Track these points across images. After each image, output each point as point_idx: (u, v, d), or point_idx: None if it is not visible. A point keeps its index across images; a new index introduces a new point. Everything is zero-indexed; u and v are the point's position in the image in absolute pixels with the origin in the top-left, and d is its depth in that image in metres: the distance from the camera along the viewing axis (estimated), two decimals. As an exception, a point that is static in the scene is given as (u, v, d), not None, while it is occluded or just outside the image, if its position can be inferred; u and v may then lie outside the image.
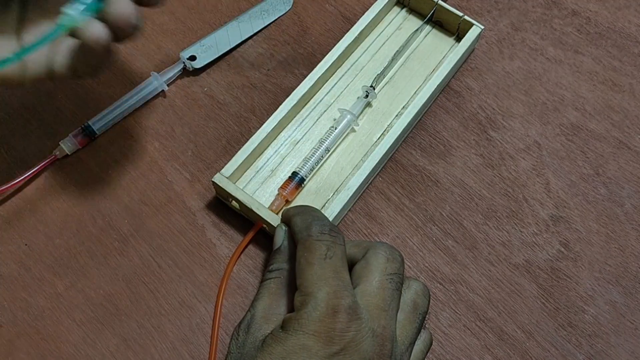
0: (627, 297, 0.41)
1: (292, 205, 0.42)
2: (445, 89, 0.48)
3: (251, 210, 0.39)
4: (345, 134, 0.45)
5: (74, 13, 0.31)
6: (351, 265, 0.34)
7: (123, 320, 0.39)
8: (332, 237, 0.33)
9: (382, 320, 0.31)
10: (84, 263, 0.41)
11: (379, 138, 0.45)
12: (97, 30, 0.31)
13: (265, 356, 0.30)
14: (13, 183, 0.41)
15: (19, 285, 0.40)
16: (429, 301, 0.35)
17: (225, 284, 0.40)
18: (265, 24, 0.51)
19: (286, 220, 0.37)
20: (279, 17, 0.52)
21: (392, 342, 0.31)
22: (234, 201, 0.41)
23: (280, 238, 0.37)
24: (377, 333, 0.30)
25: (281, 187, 0.42)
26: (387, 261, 0.33)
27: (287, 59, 0.50)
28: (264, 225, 0.41)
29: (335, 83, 0.48)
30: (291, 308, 0.33)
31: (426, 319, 0.40)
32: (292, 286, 0.35)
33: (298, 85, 0.45)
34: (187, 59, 0.48)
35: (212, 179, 0.40)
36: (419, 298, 0.34)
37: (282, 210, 0.39)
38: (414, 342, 0.33)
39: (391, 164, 0.45)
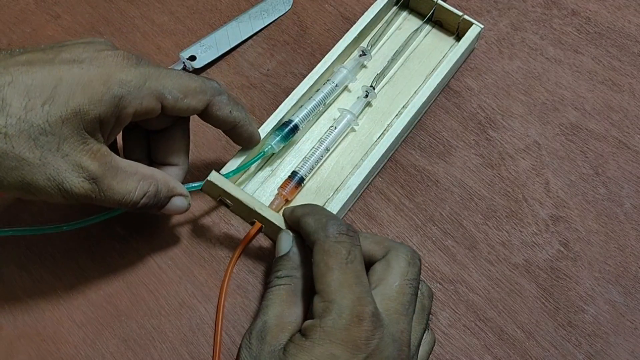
0: (627, 296, 0.41)
1: (291, 204, 0.42)
2: (445, 88, 0.48)
3: (247, 207, 0.39)
4: (345, 133, 0.45)
5: (274, 144, 0.42)
6: (369, 262, 0.33)
7: (123, 321, 0.39)
8: (350, 239, 0.32)
9: (400, 325, 0.31)
10: (84, 264, 0.41)
11: (378, 138, 0.45)
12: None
13: None
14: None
15: (19, 287, 0.40)
16: (432, 301, 0.35)
17: (227, 285, 0.40)
18: (265, 24, 0.51)
19: (294, 220, 0.36)
20: (278, 17, 0.52)
21: (409, 346, 0.31)
22: (228, 200, 0.40)
23: (288, 244, 0.36)
24: (396, 338, 0.30)
25: (281, 187, 0.42)
26: (409, 265, 0.32)
27: (287, 59, 0.50)
28: (263, 225, 0.41)
29: (335, 83, 0.48)
30: (306, 315, 0.33)
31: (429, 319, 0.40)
32: (306, 293, 0.34)
33: (298, 85, 0.45)
34: (187, 59, 0.48)
35: (208, 178, 0.40)
36: (425, 299, 0.34)
37: (282, 210, 0.39)
38: (421, 342, 0.33)
39: (391, 164, 0.45)
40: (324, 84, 0.46)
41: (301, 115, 0.44)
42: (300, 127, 0.44)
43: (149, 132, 0.39)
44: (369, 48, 0.47)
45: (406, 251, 0.33)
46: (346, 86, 0.47)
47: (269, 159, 0.44)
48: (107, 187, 0.32)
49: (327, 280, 0.31)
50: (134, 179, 0.33)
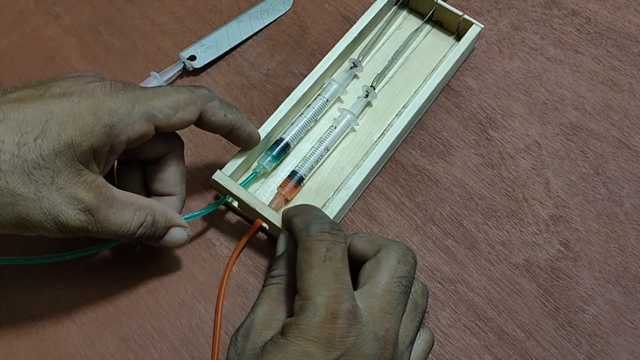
0: (627, 296, 0.41)
1: (291, 204, 0.42)
2: (445, 88, 0.48)
3: (254, 209, 0.39)
4: (345, 133, 0.45)
5: (265, 164, 0.42)
6: (362, 261, 0.33)
7: (123, 321, 0.39)
8: (332, 236, 0.32)
9: (385, 323, 0.30)
10: (83, 264, 0.41)
11: (379, 137, 0.45)
12: None
13: None
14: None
15: (19, 287, 0.40)
16: (427, 299, 0.35)
17: (226, 284, 0.40)
18: (265, 24, 0.51)
19: (286, 221, 0.37)
20: (278, 17, 0.52)
21: (394, 345, 0.31)
22: (234, 200, 0.41)
23: (283, 244, 0.37)
24: (379, 336, 0.30)
25: (280, 186, 0.42)
26: (398, 263, 0.32)
27: (287, 59, 0.50)
28: (264, 225, 0.41)
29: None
30: (291, 313, 0.33)
31: (426, 318, 0.40)
32: (293, 291, 0.34)
33: (298, 85, 0.45)
34: (187, 59, 0.48)
35: (213, 177, 0.40)
36: (419, 297, 0.34)
37: (282, 210, 0.39)
38: (414, 340, 0.33)
39: (391, 163, 0.45)
40: (315, 99, 0.45)
41: (292, 132, 0.43)
42: (291, 145, 0.44)
43: (143, 164, 0.39)
44: (360, 59, 0.47)
45: (397, 249, 0.33)
46: (338, 97, 0.47)
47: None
48: (104, 218, 0.32)
49: (305, 278, 0.31)
50: (130, 209, 0.34)
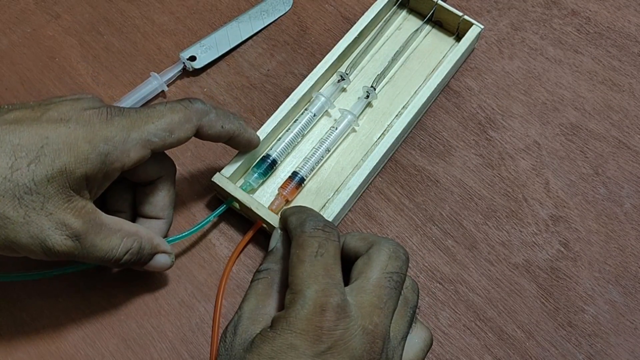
0: (627, 296, 0.41)
1: (292, 205, 0.42)
2: (445, 89, 0.48)
3: (250, 209, 0.39)
4: (346, 134, 0.45)
5: (251, 181, 0.42)
6: (355, 259, 0.34)
7: (122, 321, 0.39)
8: (325, 234, 0.32)
9: (374, 317, 0.31)
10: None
11: (379, 138, 0.45)
12: None
13: (253, 357, 0.30)
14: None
15: (18, 286, 0.40)
16: (418, 295, 0.35)
17: (225, 284, 0.40)
18: (265, 24, 0.51)
19: (283, 220, 0.37)
20: (278, 17, 0.52)
21: (384, 339, 0.31)
22: (234, 201, 0.41)
23: (275, 240, 0.37)
24: (368, 330, 0.30)
25: (281, 187, 0.42)
26: (389, 259, 0.32)
27: (287, 59, 0.50)
28: (264, 225, 0.41)
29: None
30: (281, 307, 0.33)
31: (426, 318, 0.40)
32: (282, 286, 0.35)
33: (298, 85, 0.45)
34: (187, 59, 0.48)
35: (212, 179, 0.40)
36: (408, 292, 0.34)
37: (281, 211, 0.39)
38: (406, 336, 0.33)
39: (391, 164, 0.45)
40: (302, 113, 0.45)
41: (279, 149, 0.43)
42: (278, 161, 0.43)
43: (134, 185, 0.39)
44: (348, 73, 0.47)
45: (389, 245, 0.33)
46: (326, 111, 0.46)
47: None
48: (90, 244, 0.33)
49: (296, 272, 0.31)
50: (117, 236, 0.34)
